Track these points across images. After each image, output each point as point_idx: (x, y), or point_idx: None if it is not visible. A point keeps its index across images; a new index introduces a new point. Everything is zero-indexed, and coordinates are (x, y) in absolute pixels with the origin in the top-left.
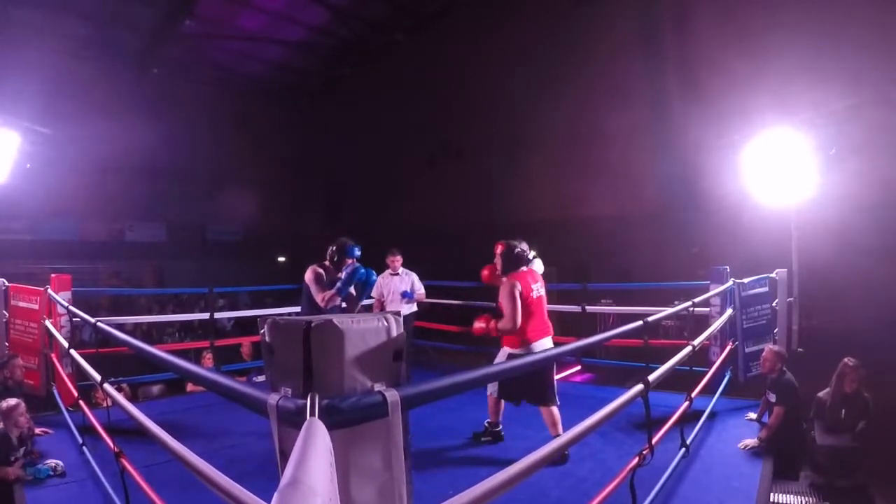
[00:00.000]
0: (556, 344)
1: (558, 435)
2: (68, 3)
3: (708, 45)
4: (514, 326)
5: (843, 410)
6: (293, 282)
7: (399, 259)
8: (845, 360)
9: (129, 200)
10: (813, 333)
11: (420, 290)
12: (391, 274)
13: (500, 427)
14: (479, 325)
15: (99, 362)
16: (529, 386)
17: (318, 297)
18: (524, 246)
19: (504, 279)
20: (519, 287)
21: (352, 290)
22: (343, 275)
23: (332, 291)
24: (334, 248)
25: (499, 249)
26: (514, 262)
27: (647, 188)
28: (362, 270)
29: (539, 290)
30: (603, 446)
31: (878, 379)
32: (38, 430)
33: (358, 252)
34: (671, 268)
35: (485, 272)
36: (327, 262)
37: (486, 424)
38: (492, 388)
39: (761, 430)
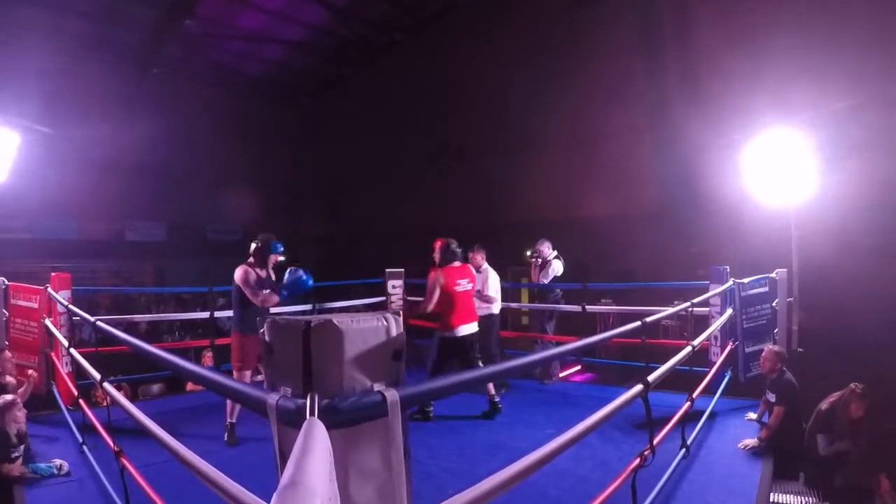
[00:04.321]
0: (558, 344)
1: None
2: (69, 2)
3: (708, 45)
4: (425, 310)
5: (851, 434)
6: None
7: (479, 256)
8: (852, 386)
9: (129, 200)
10: (813, 333)
11: (486, 291)
12: (476, 271)
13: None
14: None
15: (99, 361)
16: (458, 365)
17: (256, 299)
18: (455, 245)
19: (432, 270)
20: (442, 280)
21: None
22: (285, 280)
23: (267, 292)
24: (259, 244)
25: (438, 245)
26: (449, 257)
27: (647, 188)
28: (305, 279)
29: (465, 285)
30: (603, 446)
31: (877, 379)
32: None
33: (281, 248)
34: (671, 268)
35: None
36: (252, 260)
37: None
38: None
39: (761, 430)
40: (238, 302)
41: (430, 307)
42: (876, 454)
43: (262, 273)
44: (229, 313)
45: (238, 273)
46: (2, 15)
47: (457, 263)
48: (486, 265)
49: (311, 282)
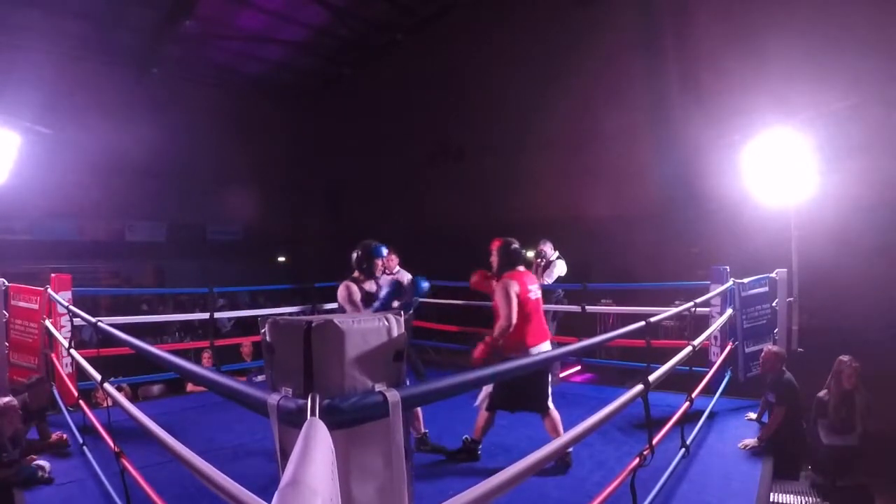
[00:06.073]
0: (559, 344)
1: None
2: (69, 3)
3: (708, 45)
4: (510, 325)
5: (846, 408)
6: (292, 282)
7: (393, 259)
8: (839, 358)
9: (129, 200)
10: (813, 333)
11: None
12: (386, 273)
13: (480, 447)
14: (478, 350)
15: (99, 362)
16: (526, 393)
17: None
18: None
19: (497, 280)
20: (516, 287)
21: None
22: (382, 292)
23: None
24: (360, 253)
25: (495, 246)
26: (512, 260)
27: (647, 188)
28: (425, 287)
29: (536, 291)
30: (603, 447)
31: (878, 378)
32: (54, 436)
33: (385, 251)
34: (671, 268)
35: (474, 277)
36: (357, 274)
37: (466, 440)
38: (483, 400)
39: (761, 430)
40: None
41: (514, 320)
42: (877, 453)
43: (370, 286)
44: (229, 314)
45: (340, 292)
46: (2, 16)
47: (521, 267)
48: (398, 268)
49: (422, 284)
